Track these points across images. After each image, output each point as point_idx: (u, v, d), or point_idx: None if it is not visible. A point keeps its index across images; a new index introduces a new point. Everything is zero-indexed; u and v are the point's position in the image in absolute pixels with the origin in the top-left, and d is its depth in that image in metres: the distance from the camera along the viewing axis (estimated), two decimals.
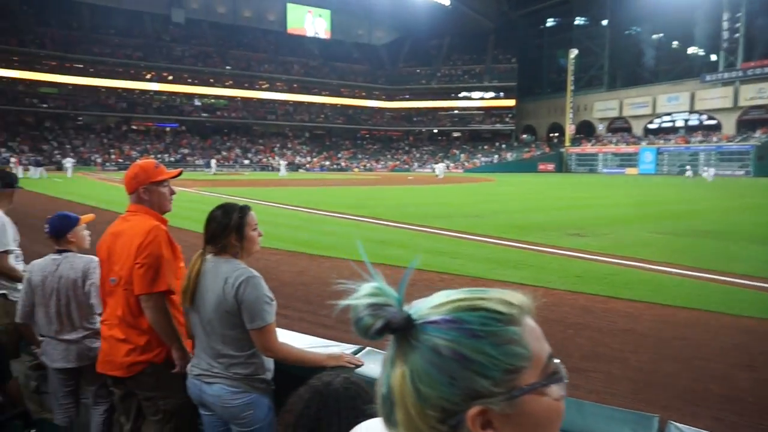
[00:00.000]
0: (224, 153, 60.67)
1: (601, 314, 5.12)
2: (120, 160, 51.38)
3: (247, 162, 59.28)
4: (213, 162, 48.37)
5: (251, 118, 67.08)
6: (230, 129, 66.84)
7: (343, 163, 64.83)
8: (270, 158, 61.32)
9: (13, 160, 37.00)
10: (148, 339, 2.21)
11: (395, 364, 0.56)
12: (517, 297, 0.59)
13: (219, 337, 1.97)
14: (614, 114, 64.65)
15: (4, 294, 3.38)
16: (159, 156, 55.15)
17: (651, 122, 61.32)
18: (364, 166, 65.13)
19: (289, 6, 72.08)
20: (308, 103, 71.79)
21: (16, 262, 3.38)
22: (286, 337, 2.21)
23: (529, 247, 8.82)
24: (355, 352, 2.15)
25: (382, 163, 67.12)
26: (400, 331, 0.57)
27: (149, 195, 2.33)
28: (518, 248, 8.74)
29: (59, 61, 56.13)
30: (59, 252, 2.83)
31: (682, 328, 4.71)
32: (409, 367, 0.55)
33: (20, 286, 3.30)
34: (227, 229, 2.04)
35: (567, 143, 65.16)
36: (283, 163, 47.73)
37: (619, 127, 65.20)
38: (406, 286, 0.58)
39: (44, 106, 55.07)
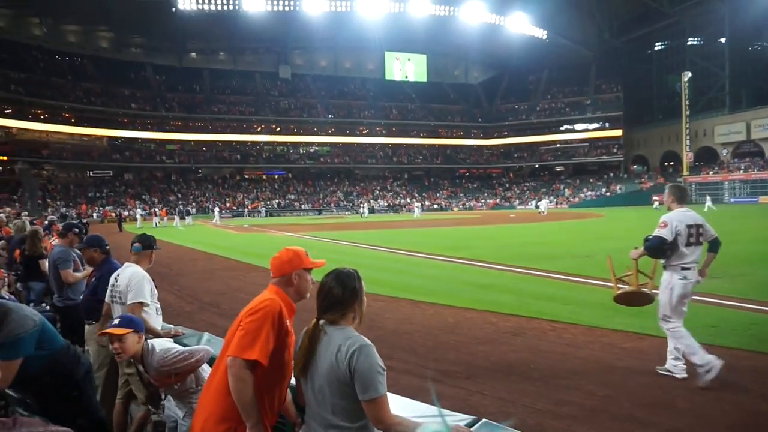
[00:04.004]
0: (327, 198, 63.32)
1: (748, 373, 4.49)
2: (234, 207, 55.54)
3: (347, 205, 61.32)
4: (365, 206, 50.90)
5: (352, 163, 69.83)
6: (333, 174, 69.91)
7: (442, 203, 64.92)
8: (364, 199, 62.88)
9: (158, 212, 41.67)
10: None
11: None
12: None
13: (329, 407, 1.96)
14: (740, 138, 58.79)
15: None
16: (268, 202, 58.89)
17: None
18: (464, 204, 64.70)
19: (387, 54, 75.22)
20: (406, 145, 73.45)
21: (156, 316, 3.70)
22: (396, 403, 2.15)
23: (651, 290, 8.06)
24: (469, 425, 2.03)
25: (482, 201, 66.29)
26: None
27: (299, 280, 2.32)
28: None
29: (184, 121, 62.76)
30: None
31: None
32: None
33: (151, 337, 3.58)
34: (352, 298, 2.06)
35: (685, 172, 60.06)
36: (417, 204, 49.31)
37: (747, 151, 59.09)
38: None
39: (170, 161, 61.47)
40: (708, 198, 40.17)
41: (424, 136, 74.08)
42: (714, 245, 4.64)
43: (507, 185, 72.96)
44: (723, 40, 61.78)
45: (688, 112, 59.78)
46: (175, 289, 9.80)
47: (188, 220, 39.04)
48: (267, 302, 2.18)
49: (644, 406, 3.89)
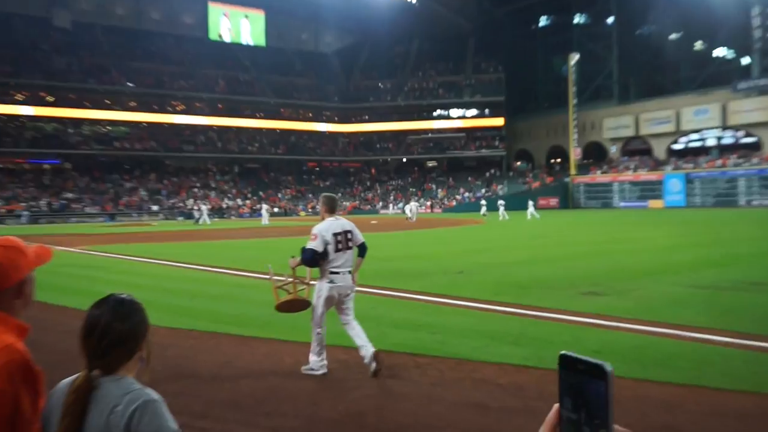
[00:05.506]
0: (125, 197, 59.76)
1: (631, 404, 5.05)
2: None
3: (155, 208, 58.47)
4: (204, 209, 47.98)
5: (162, 150, 66.69)
6: (133, 164, 66.13)
7: (285, 206, 64.76)
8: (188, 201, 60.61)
9: None
10: None
11: None
12: None
13: None
14: (629, 132, 66.89)
15: None
16: (33, 203, 53.94)
17: (675, 141, 63.64)
18: (313, 208, 65.17)
19: (211, 7, 73.28)
20: (237, 128, 72.08)
21: None
22: None
23: (532, 312, 8.79)
24: None
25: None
26: None
27: (29, 286, 2.06)
28: (517, 315, 8.70)
29: None
30: None
31: (734, 422, 4.68)
32: None
33: None
34: (139, 336, 1.93)
35: (572, 171, 66.92)
36: (266, 207, 48.06)
37: (637, 148, 67.44)
38: None
39: None
40: (530, 204, 44.63)
41: (261, 117, 73.36)
42: (361, 250, 6.39)
43: (368, 183, 75.07)
44: (610, 20, 70.13)
45: (575, 101, 66.75)
46: None
47: None
48: (3, 357, 1.85)
49: None
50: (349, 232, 6.22)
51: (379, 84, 79.94)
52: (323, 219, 6.32)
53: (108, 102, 64.77)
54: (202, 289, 12.11)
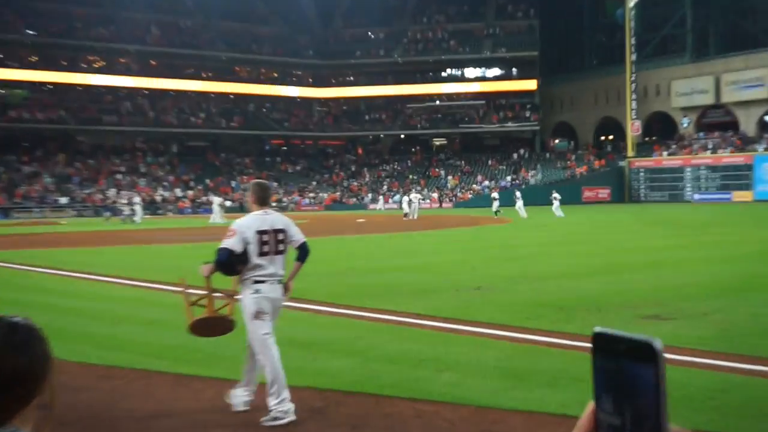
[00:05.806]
0: (23, 186, 59.61)
1: None
2: None
3: (64, 200, 58.26)
4: (138, 202, 48.65)
5: (73, 122, 66.37)
6: (34, 142, 65.86)
7: (240, 197, 64.59)
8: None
9: None
10: None
11: None
12: None
13: None
14: (707, 100, 66.65)
15: None
16: None
17: None
18: (278, 201, 65.10)
19: None
20: (176, 92, 71.79)
21: None
22: None
23: (574, 343, 8.76)
24: None
25: (312, 194, 67.31)
26: None
27: None
28: (555, 346, 8.68)
29: None
30: None
31: None
32: None
33: None
34: (39, 374, 1.88)
35: (629, 152, 66.76)
36: (218, 200, 48.12)
37: (717, 121, 67.22)
38: None
39: None
40: (556, 197, 44.02)
41: (208, 78, 73.13)
42: (302, 253, 6.54)
43: (353, 168, 74.94)
44: None
45: (634, 58, 66.51)
46: None
47: None
48: None
49: None
50: (281, 231, 6.30)
51: (369, 34, 79.67)
52: (250, 211, 6.50)
53: (1, 56, 64.44)
54: (128, 311, 12.05)
